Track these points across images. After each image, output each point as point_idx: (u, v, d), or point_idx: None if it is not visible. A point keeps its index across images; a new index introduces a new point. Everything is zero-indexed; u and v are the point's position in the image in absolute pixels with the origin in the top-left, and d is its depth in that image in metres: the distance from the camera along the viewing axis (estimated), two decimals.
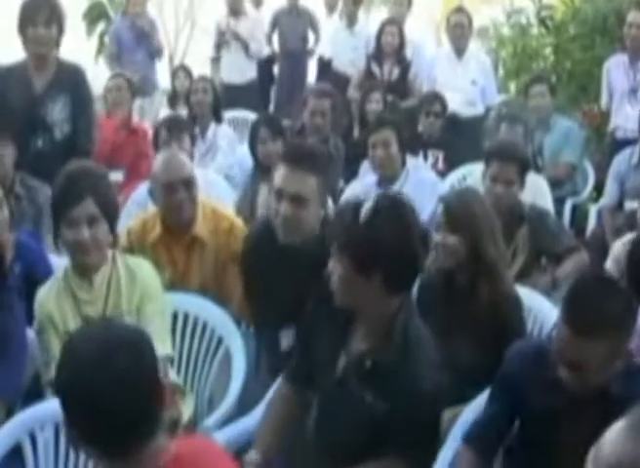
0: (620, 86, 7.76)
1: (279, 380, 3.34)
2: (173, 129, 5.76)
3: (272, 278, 3.79)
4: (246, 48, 9.84)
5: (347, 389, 2.87)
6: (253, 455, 3.05)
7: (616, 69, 7.82)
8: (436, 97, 7.41)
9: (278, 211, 3.63)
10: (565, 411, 2.79)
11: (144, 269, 3.61)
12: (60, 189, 3.51)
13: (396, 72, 8.65)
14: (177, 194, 4.11)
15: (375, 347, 2.85)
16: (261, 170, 5.80)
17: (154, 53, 9.76)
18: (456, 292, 3.69)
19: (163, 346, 3.40)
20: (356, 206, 2.80)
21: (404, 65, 8.70)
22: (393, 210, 2.80)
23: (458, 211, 3.69)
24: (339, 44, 9.79)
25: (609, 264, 4.42)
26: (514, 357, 3.03)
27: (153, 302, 3.52)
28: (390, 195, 2.91)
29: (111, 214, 3.50)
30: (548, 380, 2.80)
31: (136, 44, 9.60)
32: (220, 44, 9.99)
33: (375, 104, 7.50)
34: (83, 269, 3.52)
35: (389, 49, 8.65)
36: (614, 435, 1.48)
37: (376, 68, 8.69)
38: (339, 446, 2.91)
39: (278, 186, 3.63)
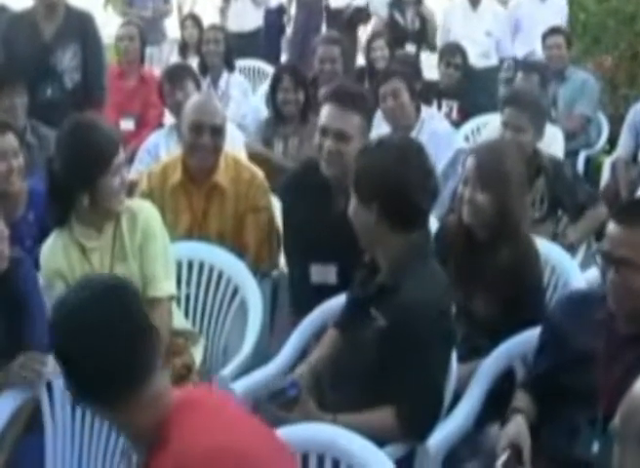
0: None
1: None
2: (173, 79, 5.69)
3: (310, 211, 3.85)
4: None
5: (365, 313, 2.99)
6: (300, 369, 3.22)
7: None
8: (457, 49, 7.34)
9: (322, 146, 3.76)
10: (604, 353, 2.78)
11: (145, 210, 3.58)
12: (98, 142, 3.36)
13: (417, 21, 8.56)
14: (202, 137, 4.08)
15: (383, 275, 3.00)
16: (277, 121, 5.78)
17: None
18: (474, 247, 3.61)
19: (166, 285, 3.48)
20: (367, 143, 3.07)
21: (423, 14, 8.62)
22: (396, 145, 3.01)
23: (490, 169, 3.52)
24: None
25: None
26: (559, 303, 3.13)
27: (155, 242, 3.51)
28: (399, 135, 2.98)
29: None
30: (591, 323, 2.83)
31: None
32: None
33: (379, 52, 7.39)
34: (109, 214, 3.47)
35: None
36: None
37: (399, 17, 8.60)
38: (353, 375, 3.01)
39: (323, 124, 3.77)
